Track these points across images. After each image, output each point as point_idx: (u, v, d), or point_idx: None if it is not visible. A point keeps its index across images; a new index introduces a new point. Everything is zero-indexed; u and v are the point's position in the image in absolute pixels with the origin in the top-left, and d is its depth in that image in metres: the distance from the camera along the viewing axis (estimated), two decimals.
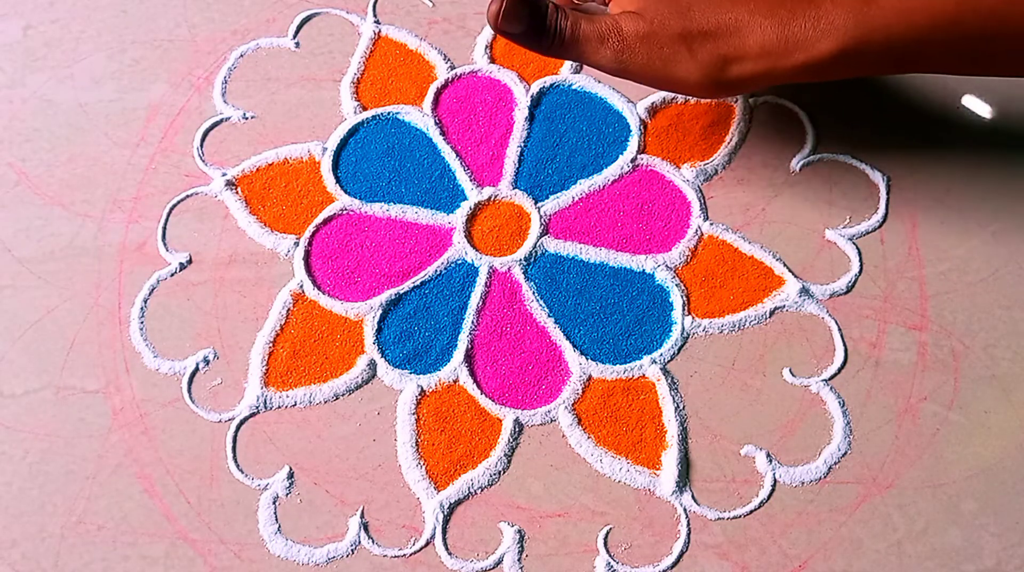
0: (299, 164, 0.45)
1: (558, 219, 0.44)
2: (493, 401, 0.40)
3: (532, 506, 0.38)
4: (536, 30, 0.37)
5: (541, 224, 0.43)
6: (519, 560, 0.37)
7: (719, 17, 0.36)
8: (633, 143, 0.45)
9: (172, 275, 0.42)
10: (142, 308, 0.41)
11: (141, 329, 0.41)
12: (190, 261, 0.42)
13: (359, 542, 0.37)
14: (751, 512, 0.38)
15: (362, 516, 0.38)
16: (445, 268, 0.42)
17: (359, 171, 0.45)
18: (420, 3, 0.49)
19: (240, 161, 0.45)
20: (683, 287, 0.42)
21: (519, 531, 0.38)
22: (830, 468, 0.39)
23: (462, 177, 0.44)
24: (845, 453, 0.39)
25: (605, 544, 0.37)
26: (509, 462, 0.39)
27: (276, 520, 0.38)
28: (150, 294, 0.41)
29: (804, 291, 0.42)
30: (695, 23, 0.36)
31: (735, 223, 0.43)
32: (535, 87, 0.46)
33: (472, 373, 0.40)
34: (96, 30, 0.48)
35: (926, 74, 0.46)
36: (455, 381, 0.40)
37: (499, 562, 0.37)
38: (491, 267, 0.42)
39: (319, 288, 0.42)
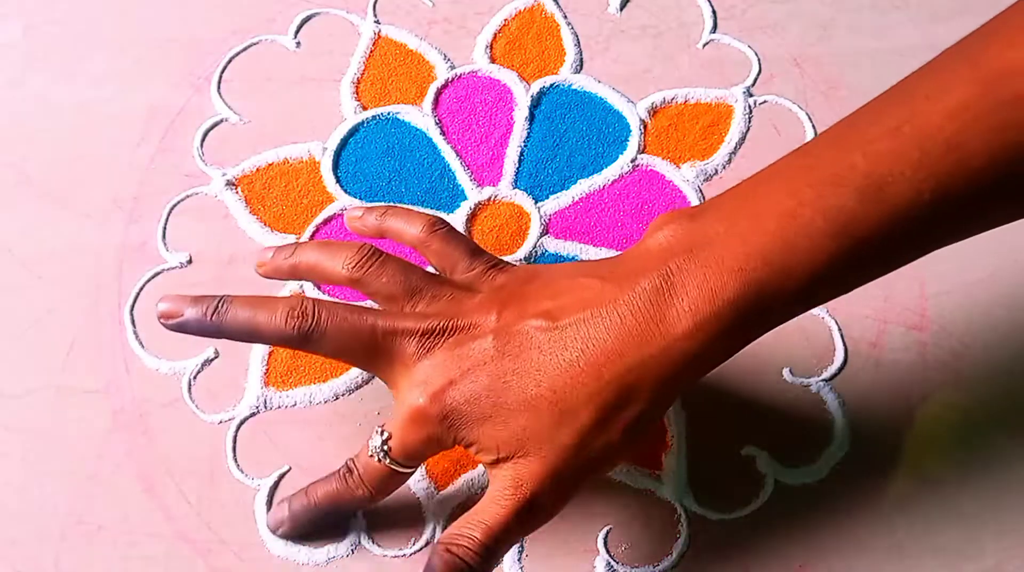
0: (299, 164, 0.45)
1: (558, 219, 0.44)
2: None
3: None
4: None
5: (541, 224, 0.43)
6: (519, 560, 0.37)
7: (603, 390, 0.30)
8: (633, 143, 0.45)
9: None
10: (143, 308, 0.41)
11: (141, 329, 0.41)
12: (190, 261, 0.42)
13: (359, 542, 0.37)
14: (751, 512, 0.38)
15: (362, 516, 0.38)
16: None
17: (359, 171, 0.45)
18: (420, 3, 0.49)
19: (240, 161, 0.45)
20: None
21: None
22: (830, 468, 0.39)
23: (462, 177, 0.44)
24: (845, 453, 0.39)
25: (605, 544, 0.37)
26: None
27: None
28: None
29: None
30: (581, 422, 0.30)
31: None
32: (535, 87, 0.46)
33: None
34: (96, 30, 0.47)
35: None
36: None
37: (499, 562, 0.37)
38: None
39: (319, 288, 0.42)
